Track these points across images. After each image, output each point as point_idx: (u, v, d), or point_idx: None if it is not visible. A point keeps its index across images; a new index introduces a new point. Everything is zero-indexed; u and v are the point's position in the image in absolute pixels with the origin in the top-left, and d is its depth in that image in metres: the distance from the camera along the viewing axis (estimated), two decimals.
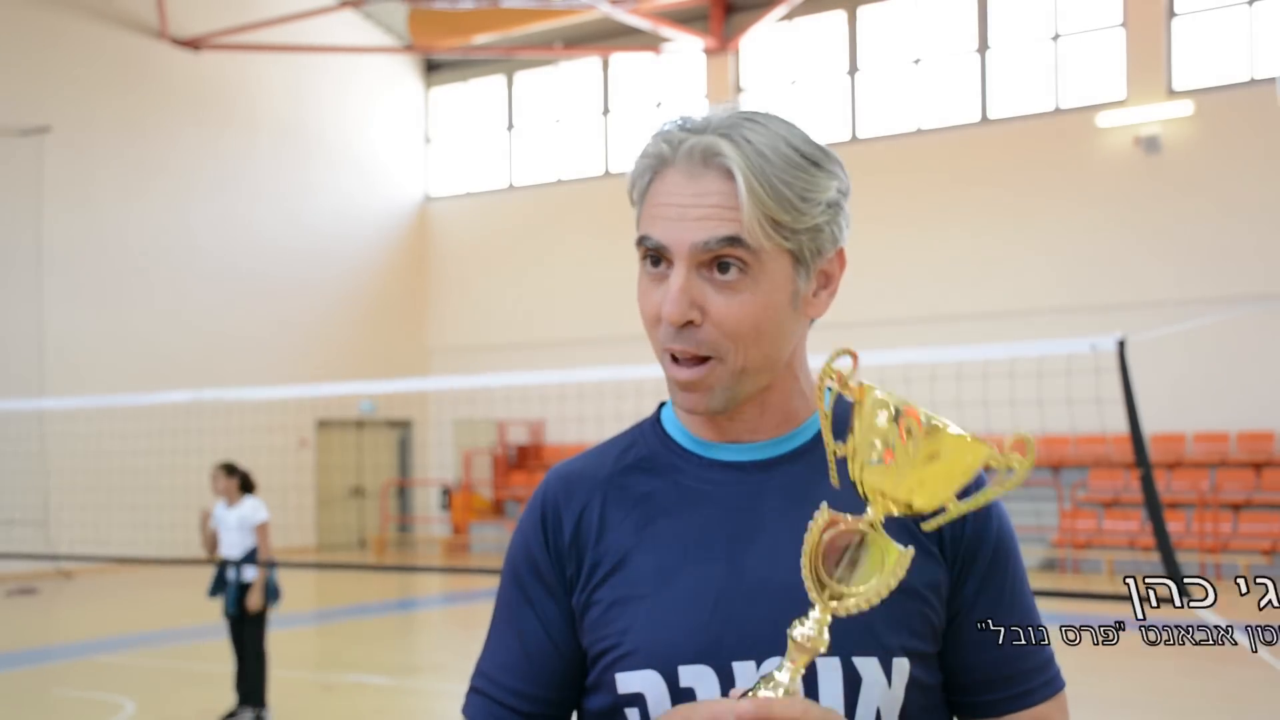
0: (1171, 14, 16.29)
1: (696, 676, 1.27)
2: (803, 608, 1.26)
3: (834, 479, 1.22)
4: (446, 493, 20.37)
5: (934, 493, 1.16)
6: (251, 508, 7.83)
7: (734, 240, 1.24)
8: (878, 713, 1.27)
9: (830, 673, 1.25)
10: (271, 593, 7.81)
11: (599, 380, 10.92)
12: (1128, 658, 10.02)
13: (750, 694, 1.16)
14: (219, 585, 7.77)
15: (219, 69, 19.05)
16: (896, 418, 1.15)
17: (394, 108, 21.77)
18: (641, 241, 1.29)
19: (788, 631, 1.17)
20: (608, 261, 19.05)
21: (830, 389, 1.20)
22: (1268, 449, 15.31)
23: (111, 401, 13.26)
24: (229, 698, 8.08)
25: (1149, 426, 11.30)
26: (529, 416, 20.15)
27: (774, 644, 1.25)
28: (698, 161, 1.26)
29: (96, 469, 15.34)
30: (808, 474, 1.34)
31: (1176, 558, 6.81)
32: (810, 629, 1.16)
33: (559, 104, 21.12)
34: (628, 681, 1.29)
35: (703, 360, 1.28)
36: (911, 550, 1.17)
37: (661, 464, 1.38)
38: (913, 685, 1.29)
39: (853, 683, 1.26)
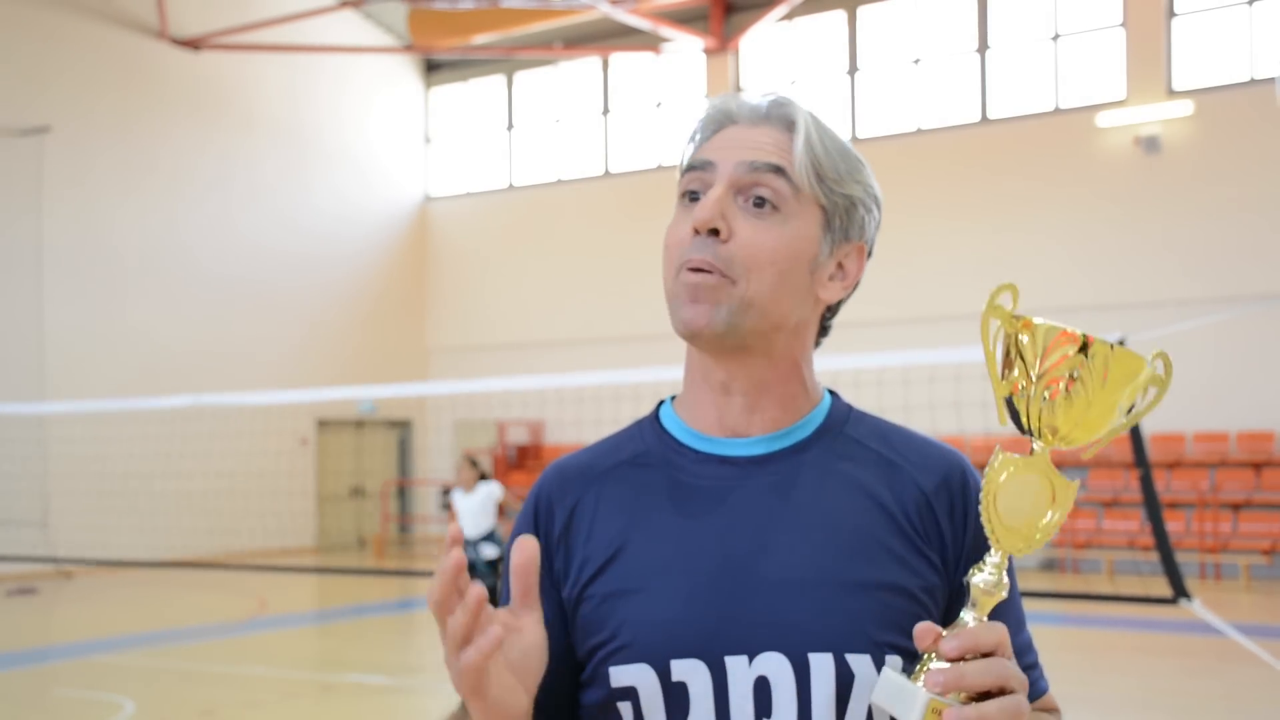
0: (1171, 14, 16.29)
1: (689, 670, 1.27)
2: (798, 603, 1.26)
3: (1002, 419, 1.24)
4: (446, 493, 20.37)
5: (1100, 421, 1.18)
6: (488, 491, 8.77)
7: (778, 170, 1.31)
8: (869, 710, 1.27)
9: (823, 669, 1.25)
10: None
11: (598, 383, 10.92)
12: (1128, 657, 10.02)
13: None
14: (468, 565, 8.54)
15: (219, 69, 19.05)
16: (1080, 348, 1.16)
17: (394, 108, 21.78)
18: (688, 168, 1.35)
19: (967, 580, 1.19)
20: (608, 262, 19.05)
21: (997, 324, 1.20)
22: (1268, 449, 15.32)
23: (112, 405, 13.26)
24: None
25: (1149, 426, 11.34)
26: (528, 417, 20.16)
27: (766, 639, 1.26)
28: (761, 114, 1.35)
29: (97, 470, 15.34)
30: (804, 471, 1.34)
31: (1176, 558, 6.81)
32: (990, 574, 1.18)
33: (559, 104, 21.13)
34: (620, 675, 1.29)
35: (719, 275, 1.30)
36: (1078, 482, 1.20)
37: (658, 459, 1.38)
38: None
39: (845, 679, 1.25)
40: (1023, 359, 1.18)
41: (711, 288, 1.29)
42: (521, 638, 1.21)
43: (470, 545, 8.78)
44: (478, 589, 1.13)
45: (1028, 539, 1.19)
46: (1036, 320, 1.18)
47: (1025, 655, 1.36)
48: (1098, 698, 8.20)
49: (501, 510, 8.93)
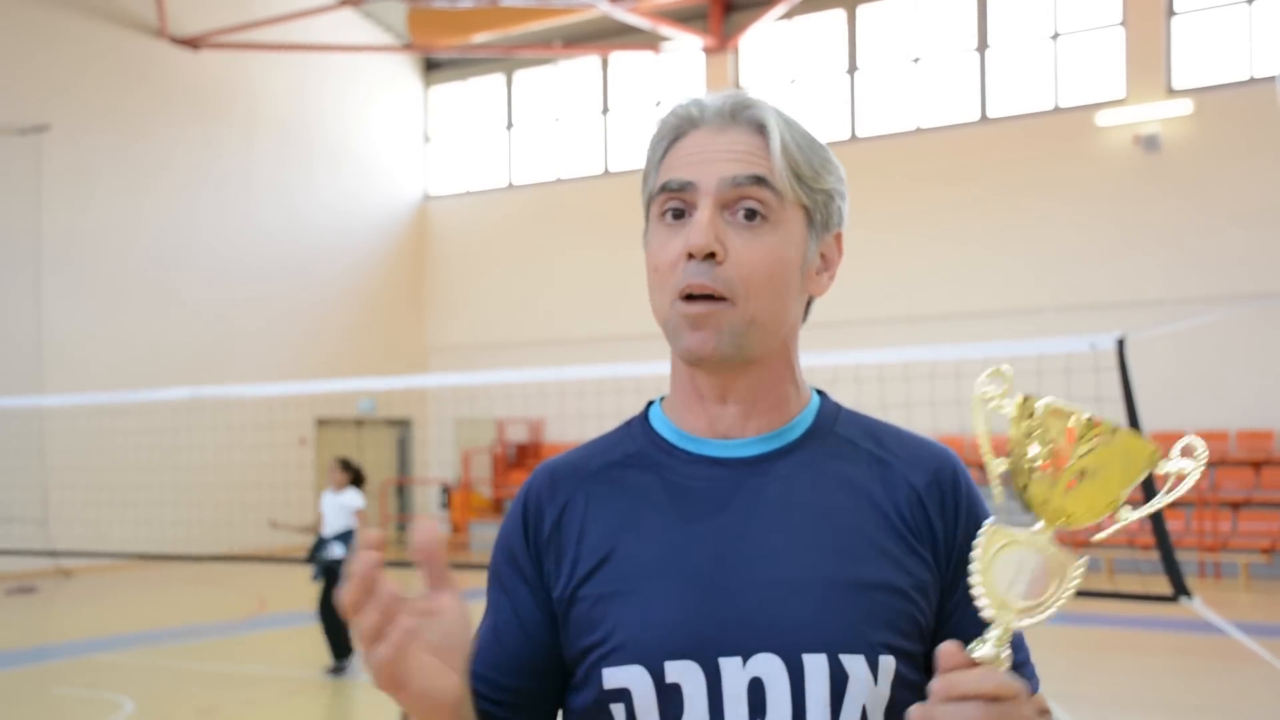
0: (1171, 13, 16.29)
1: (682, 672, 1.26)
2: (792, 604, 1.26)
3: (997, 495, 1.19)
4: (446, 491, 20.37)
5: (1095, 504, 1.12)
6: (351, 496, 9.18)
7: (761, 181, 1.29)
8: (864, 710, 1.27)
9: (817, 670, 1.25)
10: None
11: (598, 378, 10.91)
12: (1128, 656, 10.02)
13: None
14: (312, 556, 9.13)
15: (219, 68, 19.05)
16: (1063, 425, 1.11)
17: (393, 107, 21.77)
18: (664, 188, 1.31)
19: (968, 651, 1.12)
20: (607, 260, 19.05)
21: (990, 404, 1.17)
22: (1267, 448, 15.32)
23: (111, 399, 13.26)
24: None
25: (1148, 425, 11.31)
26: (528, 415, 20.16)
27: (760, 640, 1.25)
28: (727, 117, 1.31)
29: (96, 466, 15.35)
30: (796, 472, 1.34)
31: (1176, 556, 6.81)
32: (989, 650, 1.12)
33: (558, 103, 21.13)
34: (614, 677, 1.28)
35: (719, 300, 1.28)
36: (1086, 559, 1.14)
37: (649, 460, 1.38)
38: (898, 683, 1.29)
39: (839, 680, 1.25)
40: (1029, 439, 1.13)
41: (713, 314, 1.28)
42: (440, 621, 1.17)
43: (323, 542, 9.14)
44: (389, 588, 1.11)
45: (1026, 613, 1.13)
46: (1040, 404, 1.13)
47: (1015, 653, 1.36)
48: (1097, 696, 8.20)
49: (360, 517, 9.30)
